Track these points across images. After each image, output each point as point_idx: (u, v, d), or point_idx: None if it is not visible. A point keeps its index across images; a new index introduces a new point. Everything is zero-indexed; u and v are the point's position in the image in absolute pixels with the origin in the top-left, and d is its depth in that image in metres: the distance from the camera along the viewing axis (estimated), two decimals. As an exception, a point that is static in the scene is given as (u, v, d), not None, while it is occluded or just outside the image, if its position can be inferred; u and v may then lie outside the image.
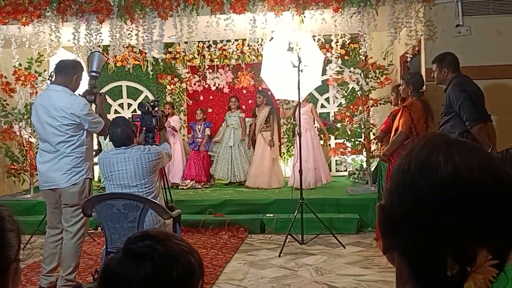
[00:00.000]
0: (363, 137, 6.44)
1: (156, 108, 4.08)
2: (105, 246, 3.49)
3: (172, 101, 8.30)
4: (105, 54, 4.67)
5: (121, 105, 8.73)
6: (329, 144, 7.94)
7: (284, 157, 8.61)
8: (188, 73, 8.59)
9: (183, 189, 7.36)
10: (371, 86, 6.22)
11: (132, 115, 4.40)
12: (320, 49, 6.19)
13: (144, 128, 4.02)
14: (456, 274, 0.65)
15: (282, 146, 8.67)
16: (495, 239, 0.67)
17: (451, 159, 0.68)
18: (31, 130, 6.25)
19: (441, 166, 0.68)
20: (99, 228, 5.46)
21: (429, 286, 0.69)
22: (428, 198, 0.68)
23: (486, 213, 0.66)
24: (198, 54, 8.22)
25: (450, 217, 0.66)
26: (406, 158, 0.72)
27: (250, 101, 8.86)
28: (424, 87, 4.78)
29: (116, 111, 8.66)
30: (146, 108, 3.99)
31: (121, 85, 8.67)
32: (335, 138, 8.07)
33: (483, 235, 0.66)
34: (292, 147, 8.14)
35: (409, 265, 0.71)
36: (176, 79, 8.50)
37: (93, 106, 4.00)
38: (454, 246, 0.66)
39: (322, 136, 7.66)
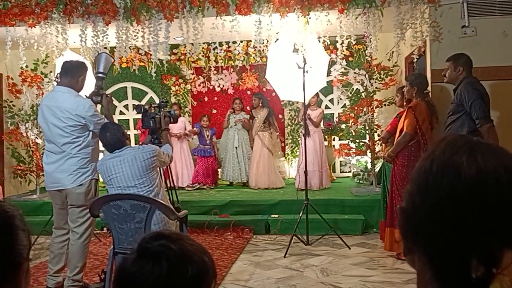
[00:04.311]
0: (367, 138, 6.43)
1: (162, 109, 4.09)
2: (112, 247, 3.50)
3: (177, 101, 8.31)
4: (112, 56, 4.67)
5: (126, 106, 8.75)
6: (334, 146, 7.94)
7: (288, 158, 8.60)
8: (192, 74, 8.60)
9: (189, 190, 7.38)
10: (376, 87, 6.21)
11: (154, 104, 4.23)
12: (325, 50, 6.19)
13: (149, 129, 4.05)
14: (481, 276, 0.65)
15: (286, 147, 8.68)
16: None
17: (474, 160, 0.68)
18: (37, 131, 6.27)
19: (464, 167, 0.67)
20: (104, 228, 5.48)
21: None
22: (451, 199, 0.67)
23: (510, 214, 0.66)
24: (203, 56, 8.23)
25: (474, 219, 0.66)
26: (428, 159, 0.71)
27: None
28: (429, 88, 4.77)
29: (121, 112, 8.69)
30: (143, 110, 3.99)
31: (126, 86, 8.69)
32: (340, 139, 8.07)
33: (508, 237, 0.65)
34: (297, 148, 8.13)
35: (431, 267, 0.70)
36: (180, 80, 8.51)
37: (99, 107, 4.01)
38: (478, 248, 0.65)
39: (327, 137, 7.65)
